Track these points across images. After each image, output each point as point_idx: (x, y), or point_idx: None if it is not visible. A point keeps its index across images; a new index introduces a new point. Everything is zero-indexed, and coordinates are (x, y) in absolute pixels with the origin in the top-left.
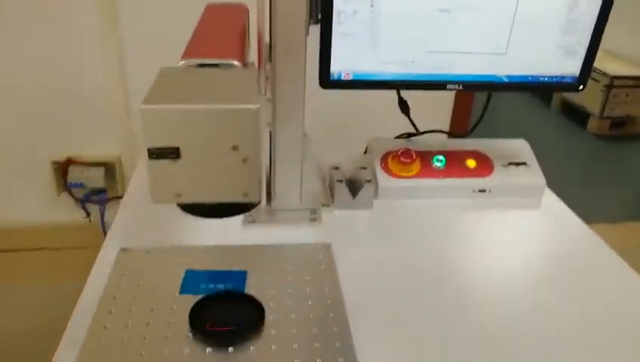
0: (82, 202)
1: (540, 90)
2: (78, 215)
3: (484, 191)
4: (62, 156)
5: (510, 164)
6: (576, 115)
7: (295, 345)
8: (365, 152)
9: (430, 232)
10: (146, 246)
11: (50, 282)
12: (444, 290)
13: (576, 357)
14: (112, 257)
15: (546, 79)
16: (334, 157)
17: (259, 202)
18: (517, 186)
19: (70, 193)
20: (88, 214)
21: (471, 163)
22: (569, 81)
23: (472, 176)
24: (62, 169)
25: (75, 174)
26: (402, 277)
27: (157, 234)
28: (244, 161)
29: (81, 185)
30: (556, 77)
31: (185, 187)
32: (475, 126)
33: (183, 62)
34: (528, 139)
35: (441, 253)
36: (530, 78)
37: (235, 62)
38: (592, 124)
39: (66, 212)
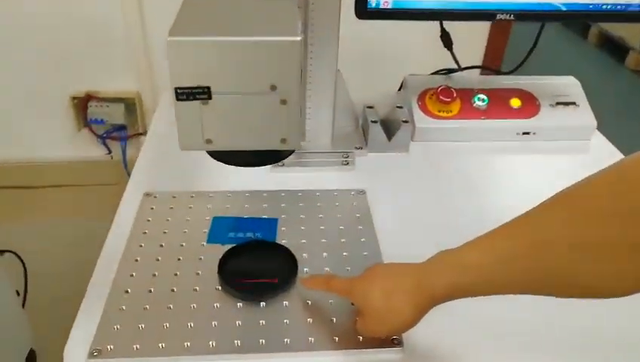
0: (103, 139)
1: (600, 20)
2: (100, 152)
3: (528, 133)
4: (81, 91)
5: (558, 103)
6: (614, 49)
7: (331, 301)
8: (400, 89)
9: (470, 178)
10: (170, 191)
11: (74, 219)
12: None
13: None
14: (136, 202)
15: (609, 7)
16: (368, 96)
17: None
18: (565, 128)
19: (91, 129)
20: (110, 151)
21: (515, 102)
22: (635, 9)
23: (516, 117)
24: (81, 104)
25: (94, 110)
26: (441, 226)
27: (182, 178)
28: (283, 102)
29: (102, 122)
30: (621, 5)
31: (216, 132)
32: (523, 62)
33: None
34: (561, 75)
35: (482, 200)
36: (591, 7)
37: None
38: (631, 59)
39: (88, 149)
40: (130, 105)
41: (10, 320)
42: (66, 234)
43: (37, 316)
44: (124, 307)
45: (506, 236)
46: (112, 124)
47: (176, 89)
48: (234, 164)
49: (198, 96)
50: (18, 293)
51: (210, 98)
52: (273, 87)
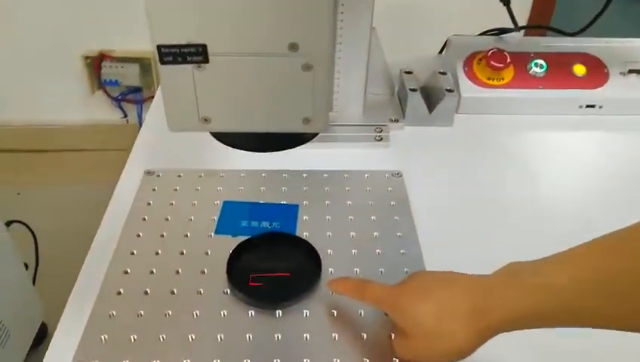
0: (118, 101)
1: None
2: (115, 115)
3: (594, 106)
4: (94, 51)
5: (631, 71)
6: None
7: (361, 311)
8: (442, 52)
9: (525, 157)
10: (176, 169)
11: (88, 186)
12: (543, 229)
13: None
14: (135, 181)
15: None
16: (406, 59)
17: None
18: (638, 101)
19: (105, 91)
20: (125, 114)
21: (579, 69)
22: None
23: (579, 86)
24: (94, 64)
25: (108, 70)
26: (494, 216)
27: (189, 154)
28: (307, 67)
29: (116, 83)
30: None
31: (215, 108)
32: (594, 20)
33: None
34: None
35: (539, 184)
36: None
37: None
38: None
39: (102, 112)
40: (145, 65)
41: (18, 295)
42: (78, 202)
43: (49, 288)
44: (114, 312)
45: (606, 252)
46: (127, 85)
47: (159, 47)
48: (241, 148)
49: (190, 58)
50: (27, 266)
51: (206, 61)
52: (293, 47)
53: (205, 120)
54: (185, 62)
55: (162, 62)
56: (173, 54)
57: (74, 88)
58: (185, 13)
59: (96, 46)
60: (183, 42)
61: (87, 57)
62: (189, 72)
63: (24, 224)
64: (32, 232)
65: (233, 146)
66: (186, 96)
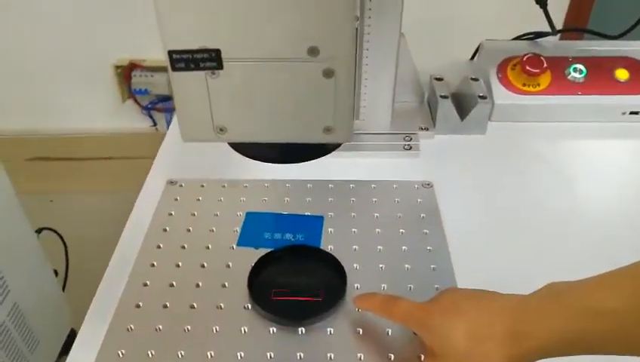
0: (147, 110)
1: None
2: (145, 123)
3: (637, 113)
4: (124, 60)
5: None
6: None
7: (389, 330)
8: (473, 57)
9: (562, 167)
10: (199, 179)
11: (118, 194)
12: (581, 242)
13: None
14: (158, 191)
15: None
16: (436, 65)
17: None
18: None
19: (135, 100)
20: (155, 123)
21: (622, 74)
22: None
23: (622, 92)
24: (125, 74)
25: (139, 80)
26: (529, 227)
27: (213, 164)
28: (329, 73)
29: (146, 92)
30: None
31: (231, 117)
32: (637, 24)
33: None
34: None
35: (578, 195)
36: None
37: None
38: None
39: (132, 120)
40: None
41: (48, 302)
42: (108, 210)
43: (78, 295)
44: (132, 326)
45: None
46: (157, 94)
47: (170, 53)
48: (259, 159)
49: (203, 65)
50: (56, 273)
51: (220, 67)
52: (313, 51)
53: (221, 130)
54: (198, 68)
55: (174, 69)
56: (186, 60)
57: (105, 97)
58: (197, 17)
59: (128, 55)
60: (196, 47)
61: (118, 67)
62: (203, 79)
63: (54, 231)
64: (62, 239)
65: (251, 157)
66: (199, 105)
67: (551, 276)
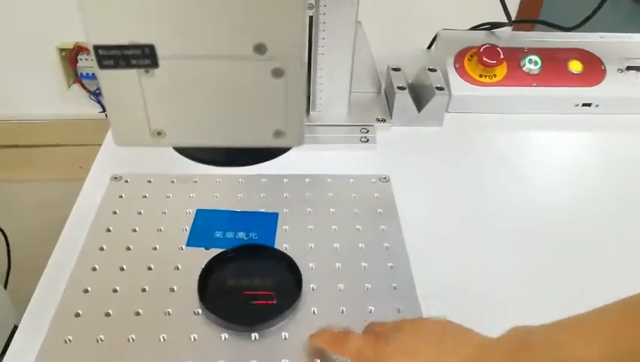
0: (96, 95)
1: None
2: (93, 109)
3: (590, 105)
4: (69, 43)
5: (629, 68)
6: None
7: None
8: (430, 47)
9: (519, 158)
10: (145, 174)
11: (63, 183)
12: (538, 233)
13: None
14: (101, 188)
15: None
16: (393, 55)
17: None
18: (636, 99)
19: (82, 85)
20: (104, 109)
21: (575, 66)
22: None
23: (575, 84)
24: (70, 57)
25: (85, 63)
26: (487, 222)
27: (160, 157)
28: (278, 73)
29: (93, 77)
30: None
31: (168, 120)
32: (594, 13)
33: None
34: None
35: (534, 186)
36: None
37: None
38: None
39: (79, 106)
40: None
41: None
42: (53, 200)
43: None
44: (70, 337)
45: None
46: None
47: (96, 48)
48: (205, 163)
49: (135, 62)
50: None
51: (155, 65)
52: (260, 48)
53: (158, 133)
54: (129, 66)
55: (101, 67)
56: (115, 57)
57: (49, 82)
58: (127, 6)
59: (73, 38)
60: (126, 42)
61: (62, 49)
62: (136, 78)
63: None
64: (3, 232)
65: (196, 160)
66: (133, 107)
67: (507, 268)
